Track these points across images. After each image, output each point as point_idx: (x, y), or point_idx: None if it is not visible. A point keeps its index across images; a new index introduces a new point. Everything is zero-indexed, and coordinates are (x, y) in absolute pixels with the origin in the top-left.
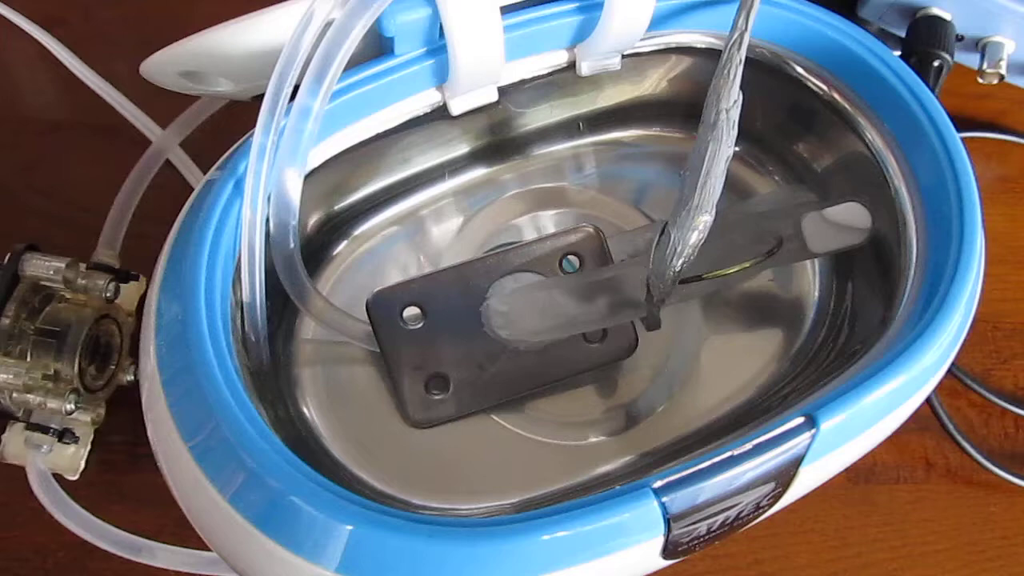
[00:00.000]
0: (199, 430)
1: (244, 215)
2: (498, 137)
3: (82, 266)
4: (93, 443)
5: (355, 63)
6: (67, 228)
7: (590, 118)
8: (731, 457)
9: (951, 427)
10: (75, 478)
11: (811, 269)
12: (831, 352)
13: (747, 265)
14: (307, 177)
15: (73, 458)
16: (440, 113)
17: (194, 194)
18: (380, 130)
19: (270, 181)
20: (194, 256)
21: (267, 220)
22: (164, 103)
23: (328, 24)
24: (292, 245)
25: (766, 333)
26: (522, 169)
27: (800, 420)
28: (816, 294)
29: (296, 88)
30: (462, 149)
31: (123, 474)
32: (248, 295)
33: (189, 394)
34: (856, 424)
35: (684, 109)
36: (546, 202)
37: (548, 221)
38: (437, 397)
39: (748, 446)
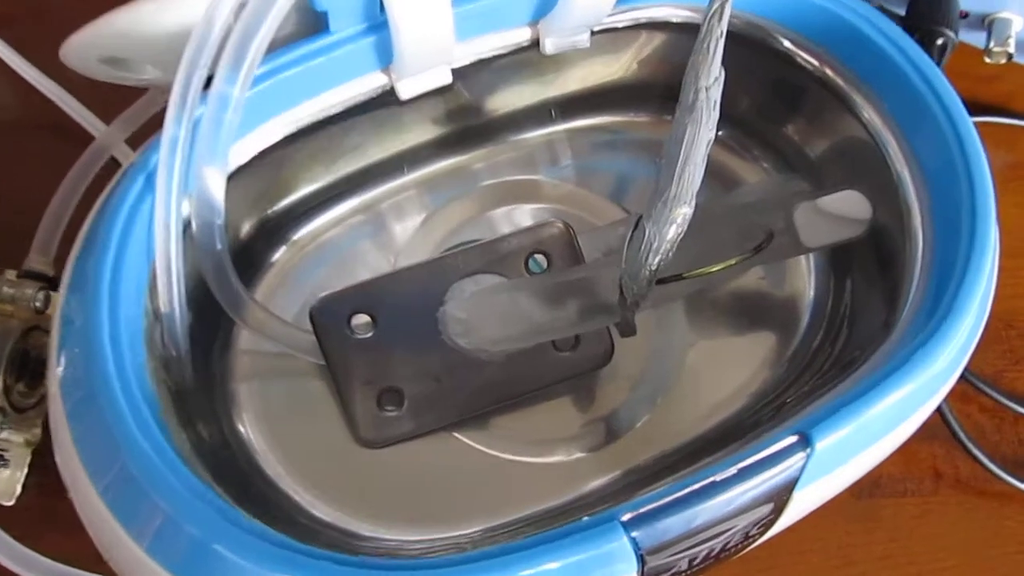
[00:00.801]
0: (107, 469)
1: (156, 215)
2: (461, 124)
3: (11, 273)
4: (30, 465)
5: (284, 43)
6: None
7: (561, 103)
8: (713, 483)
9: (961, 434)
10: (11, 503)
11: (805, 265)
12: (828, 358)
13: (732, 262)
14: (237, 173)
15: (8, 482)
16: (389, 98)
17: (107, 189)
18: (318, 119)
19: (189, 177)
20: (98, 261)
21: (190, 221)
22: (118, 102)
23: None
24: (219, 247)
25: (757, 337)
26: (491, 159)
27: (792, 439)
28: (811, 293)
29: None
30: (421, 138)
31: (63, 498)
32: (165, 305)
33: (94, 427)
34: (856, 441)
35: (662, 91)
36: (517, 195)
37: (519, 216)
38: (391, 413)
39: (733, 470)
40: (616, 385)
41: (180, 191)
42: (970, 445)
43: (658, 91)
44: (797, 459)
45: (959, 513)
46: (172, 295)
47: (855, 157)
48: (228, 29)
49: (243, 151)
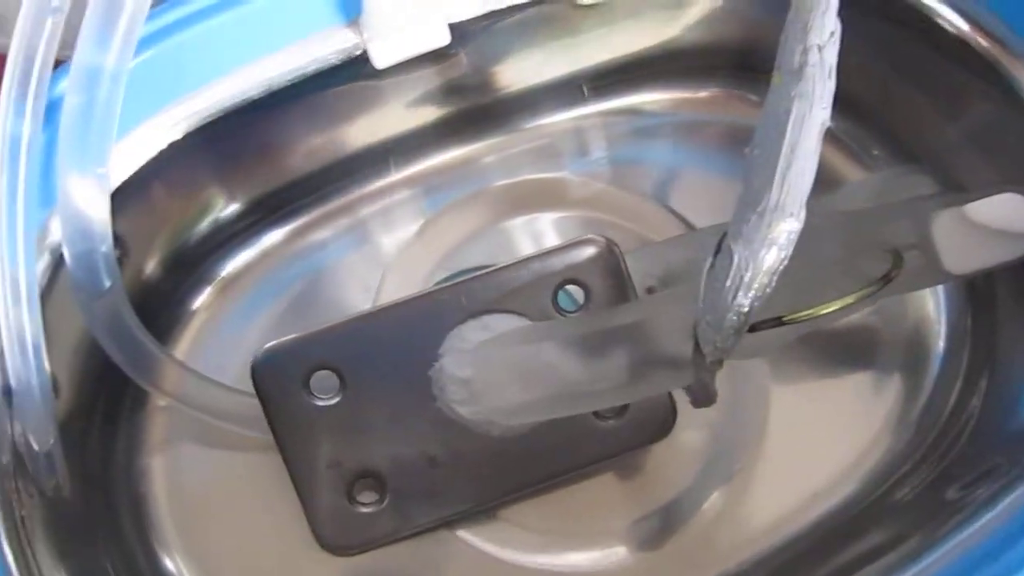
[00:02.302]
0: None
1: None
2: (463, 104)
3: None
4: None
5: None
6: None
7: (596, 75)
8: None
9: None
10: None
11: (933, 295)
12: (968, 423)
13: (851, 301)
14: (133, 182)
15: None
16: (360, 66)
17: None
18: (254, 97)
19: (59, 188)
20: None
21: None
22: None
23: None
24: (107, 284)
25: (866, 393)
26: (503, 151)
27: None
28: (943, 335)
29: None
30: (408, 123)
31: None
32: (17, 376)
33: None
34: None
35: (732, 59)
36: (537, 200)
37: (540, 228)
38: (366, 509)
39: None
40: (674, 463)
41: (29, 213)
42: None
43: (728, 57)
44: None
45: None
46: (27, 361)
47: (1009, 145)
48: None
49: (137, 150)
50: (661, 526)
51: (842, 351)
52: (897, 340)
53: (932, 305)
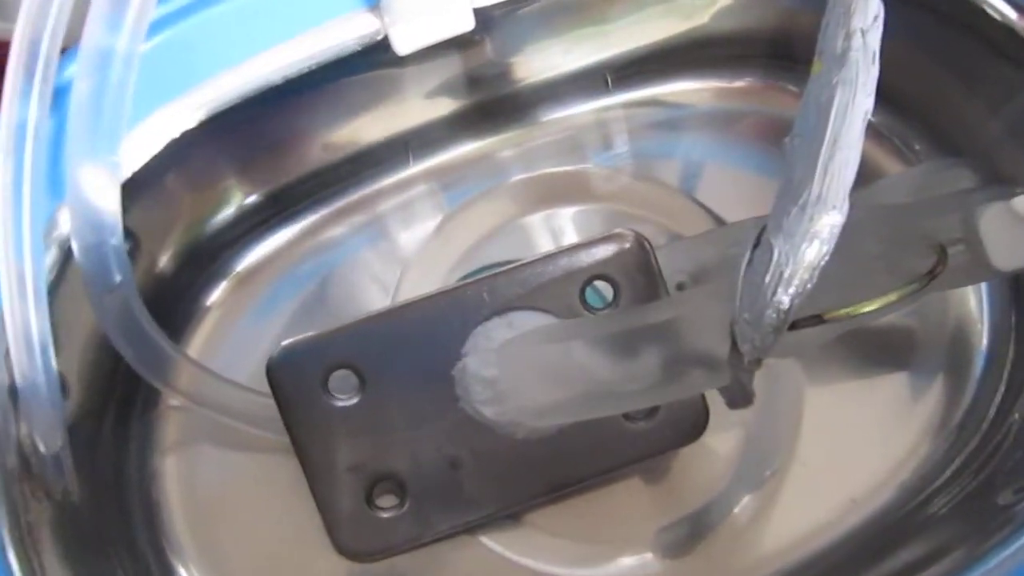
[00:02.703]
0: None
1: None
2: (485, 95)
3: None
4: None
5: None
6: None
7: (624, 64)
8: None
9: None
10: None
11: (975, 292)
12: (1012, 427)
13: (894, 298)
14: (147, 171)
15: None
16: (381, 54)
17: None
18: (270, 85)
19: (68, 178)
20: None
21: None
22: None
23: None
24: (118, 279)
25: (904, 394)
26: (525, 143)
27: None
28: (985, 334)
29: None
30: (429, 114)
31: None
32: (23, 376)
33: None
34: None
35: (767, 47)
36: (561, 193)
37: (563, 223)
38: (386, 513)
39: None
40: (706, 467)
41: (35, 205)
42: None
43: (763, 46)
44: None
45: None
46: (34, 358)
47: None
48: None
49: (149, 139)
50: (690, 533)
51: (879, 351)
52: (937, 339)
53: (974, 302)
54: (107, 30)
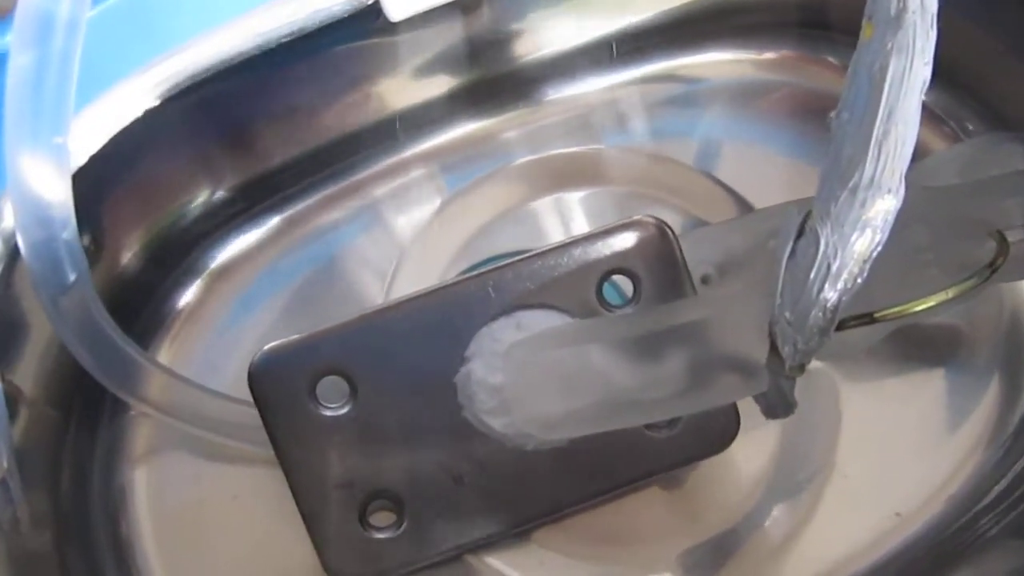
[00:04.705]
0: None
1: None
2: (488, 71)
3: None
4: None
5: None
6: None
7: (640, 34)
8: None
9: None
10: None
11: None
12: None
13: (952, 295)
14: (101, 158)
15: None
16: (371, 20)
17: None
18: (245, 56)
19: (8, 166)
20: None
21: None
22: None
23: None
24: (71, 278)
25: (952, 400)
26: (530, 122)
27: None
28: None
29: None
30: (425, 90)
31: None
32: None
33: None
34: None
35: (801, 14)
36: (571, 176)
37: (573, 209)
38: (381, 534)
39: None
40: (731, 478)
41: None
42: None
43: (796, 12)
44: None
45: None
46: None
47: None
48: None
49: (105, 119)
50: (715, 553)
51: (923, 349)
52: (988, 336)
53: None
54: None
